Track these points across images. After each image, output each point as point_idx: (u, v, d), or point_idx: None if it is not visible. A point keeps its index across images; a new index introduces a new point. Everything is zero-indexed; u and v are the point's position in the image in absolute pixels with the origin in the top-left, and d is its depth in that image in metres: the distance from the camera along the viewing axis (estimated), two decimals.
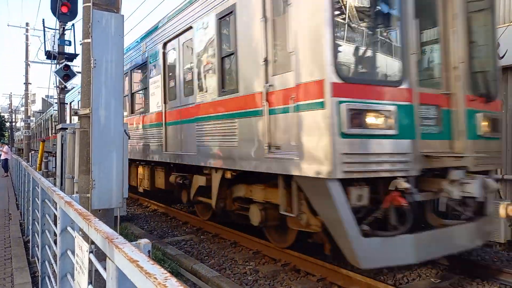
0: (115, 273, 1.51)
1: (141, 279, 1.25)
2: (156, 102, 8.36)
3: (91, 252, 2.12)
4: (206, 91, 6.36)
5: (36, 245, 5.33)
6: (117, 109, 4.28)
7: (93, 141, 4.03)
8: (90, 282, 2.08)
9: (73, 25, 12.31)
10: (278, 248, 5.98)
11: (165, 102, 7.96)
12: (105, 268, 1.74)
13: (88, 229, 1.98)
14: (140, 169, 10.05)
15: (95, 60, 4.13)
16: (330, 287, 4.89)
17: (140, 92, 10.09)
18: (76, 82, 14.62)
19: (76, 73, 11.46)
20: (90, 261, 2.11)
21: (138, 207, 11.29)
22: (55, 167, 9.01)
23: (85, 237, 2.22)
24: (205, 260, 6.08)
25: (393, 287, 4.57)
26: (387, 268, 5.01)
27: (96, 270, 2.06)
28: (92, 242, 2.04)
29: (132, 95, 10.27)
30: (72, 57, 12.28)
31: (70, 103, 16.90)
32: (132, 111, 10.11)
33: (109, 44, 4.24)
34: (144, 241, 1.79)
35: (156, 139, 8.35)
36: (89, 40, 4.29)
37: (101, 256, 1.97)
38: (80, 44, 4.55)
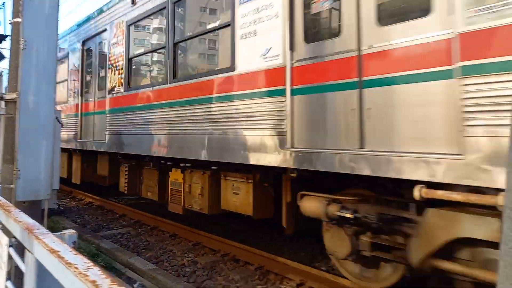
0: (34, 266, 1.44)
1: (61, 270, 1.21)
2: (256, 50, 4.55)
3: (11, 246, 2.00)
4: None
5: None
6: (48, 94, 4.07)
7: (20, 128, 3.80)
8: (8, 278, 1.96)
9: (3, 3, 11.38)
10: (218, 238, 6.00)
11: (292, 49, 4.19)
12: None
13: (7, 220, 1.86)
14: (176, 175, 6.30)
15: (25, 41, 3.89)
16: (267, 275, 5.02)
17: (202, 36, 5.98)
18: (4, 66, 13.50)
19: (5, 56, 10.59)
20: (10, 256, 1.99)
21: (72, 200, 10.71)
22: None
23: (5, 230, 2.08)
24: (141, 253, 5.95)
25: (326, 273, 4.79)
26: (321, 254, 5.26)
27: (17, 266, 1.95)
28: (13, 236, 1.92)
29: (175, 46, 5.97)
30: (1, 38, 11.33)
31: None
32: (174, 76, 5.93)
33: (42, 24, 4.04)
34: (69, 231, 1.73)
35: (246, 124, 4.63)
36: (19, 20, 4.02)
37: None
38: (10, 24, 4.22)
